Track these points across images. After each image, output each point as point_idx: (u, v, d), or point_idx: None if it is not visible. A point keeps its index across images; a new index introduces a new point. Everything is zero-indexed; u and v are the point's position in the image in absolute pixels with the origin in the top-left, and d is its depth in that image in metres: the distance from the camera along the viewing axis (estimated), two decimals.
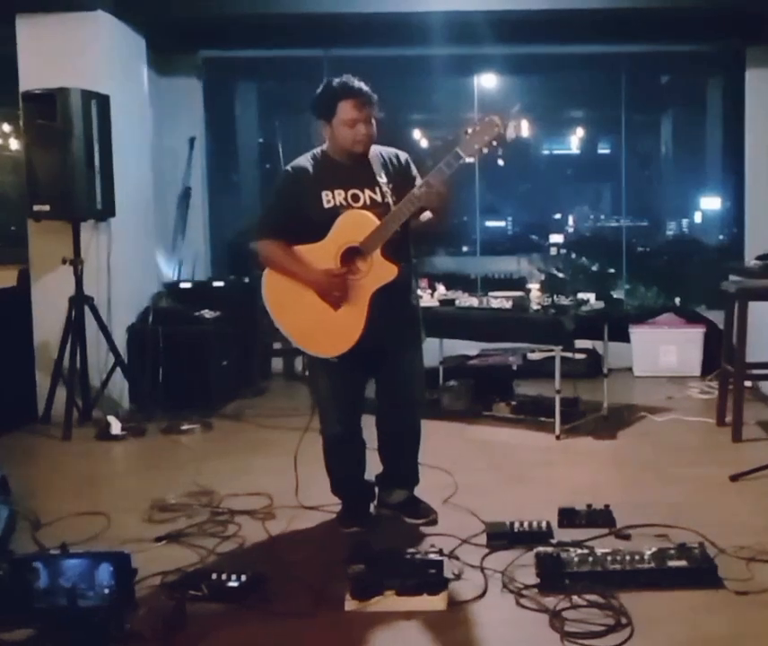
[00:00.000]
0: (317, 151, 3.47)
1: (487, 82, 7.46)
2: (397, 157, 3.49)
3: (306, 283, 3.35)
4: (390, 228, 3.28)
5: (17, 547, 3.35)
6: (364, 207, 3.35)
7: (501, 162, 10.14)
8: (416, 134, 8.99)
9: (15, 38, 5.50)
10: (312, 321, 3.38)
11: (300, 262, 3.36)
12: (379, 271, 3.30)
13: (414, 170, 3.50)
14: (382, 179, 3.39)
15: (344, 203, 3.35)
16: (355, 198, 3.36)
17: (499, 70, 7.44)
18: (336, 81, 3.34)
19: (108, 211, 5.51)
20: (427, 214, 3.40)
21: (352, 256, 3.33)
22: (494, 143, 3.19)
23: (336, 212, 3.33)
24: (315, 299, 3.36)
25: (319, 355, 3.44)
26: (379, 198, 3.37)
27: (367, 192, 3.36)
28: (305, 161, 3.44)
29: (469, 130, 3.20)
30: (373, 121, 3.36)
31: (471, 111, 7.33)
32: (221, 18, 6.07)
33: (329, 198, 3.35)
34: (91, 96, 5.33)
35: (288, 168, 3.47)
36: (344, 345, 3.34)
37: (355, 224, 3.31)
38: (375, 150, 3.44)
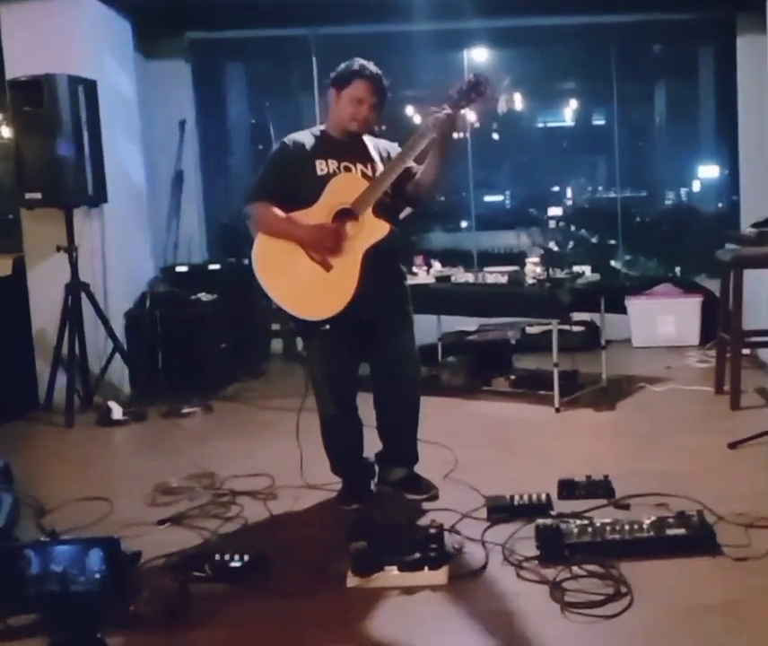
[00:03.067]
0: (316, 128, 3.56)
1: (477, 56, 7.42)
2: (391, 147, 3.55)
3: (298, 239, 3.37)
4: (381, 186, 3.33)
5: (21, 535, 3.36)
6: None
7: (495, 137, 10.11)
8: (408, 110, 8.95)
9: (0, 25, 5.46)
10: (305, 284, 3.37)
11: (291, 220, 3.39)
12: (371, 229, 3.33)
13: None
14: (375, 157, 3.47)
15: (336, 171, 3.41)
16: (347, 170, 3.42)
17: (488, 44, 7.38)
18: (362, 60, 3.44)
19: (99, 197, 5.49)
20: (422, 169, 3.43)
21: (343, 218, 3.36)
22: (479, 101, 3.28)
23: (327, 179, 3.39)
24: (307, 261, 3.37)
25: (311, 318, 3.39)
26: (370, 173, 3.43)
27: (359, 166, 3.43)
28: (303, 135, 3.51)
29: (454, 90, 3.29)
30: (375, 113, 3.45)
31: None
32: None
33: (323, 167, 3.41)
34: (78, 82, 5.30)
35: (285, 139, 3.51)
36: (335, 306, 3.31)
37: (346, 187, 3.36)
38: (368, 137, 3.53)
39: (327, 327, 3.36)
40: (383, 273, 3.39)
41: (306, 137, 3.49)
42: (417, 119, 9.07)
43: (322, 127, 3.54)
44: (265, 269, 3.43)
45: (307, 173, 3.39)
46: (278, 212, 3.39)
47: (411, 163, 3.41)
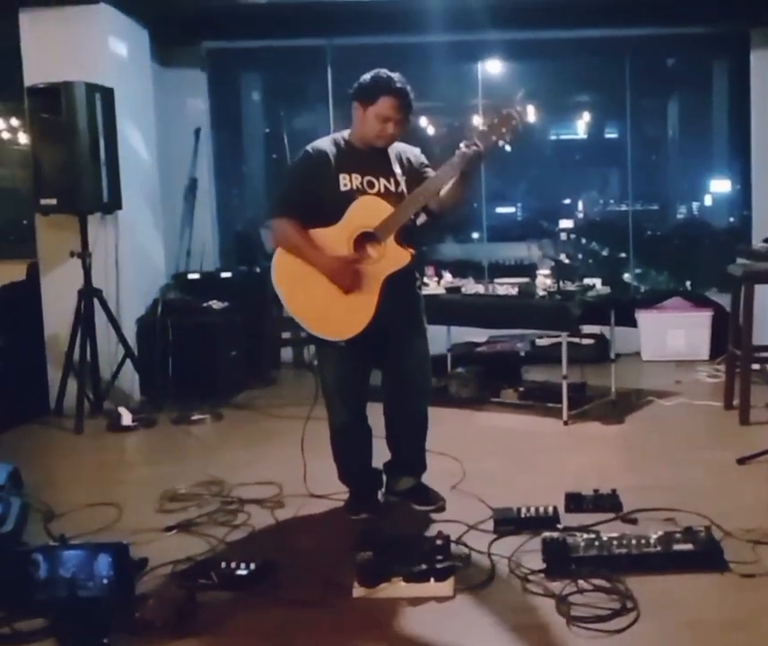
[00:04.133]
0: (338, 135, 3.52)
1: (491, 68, 7.45)
2: (413, 154, 3.54)
3: (318, 268, 3.38)
4: (406, 214, 3.33)
5: (29, 539, 3.38)
6: (378, 194, 3.40)
7: (508, 149, 10.11)
8: (422, 121, 8.98)
9: (19, 32, 5.51)
10: (322, 304, 3.40)
11: (313, 246, 3.39)
12: (393, 256, 3.33)
13: (427, 164, 3.55)
14: (397, 171, 3.44)
15: (359, 187, 3.39)
16: (371, 185, 3.41)
17: (503, 56, 7.41)
18: (386, 73, 3.38)
19: (114, 204, 5.53)
20: (446, 190, 3.40)
21: (364, 241, 3.37)
22: (510, 135, 3.24)
23: (351, 195, 3.38)
24: (326, 282, 3.38)
25: (328, 338, 3.44)
26: (392, 188, 3.42)
27: (382, 181, 3.42)
28: (326, 143, 3.48)
29: (486, 123, 3.25)
30: (402, 128, 3.41)
31: (475, 98, 7.33)
32: (223, 8, 6.08)
33: (346, 182, 3.39)
34: (96, 89, 5.35)
35: (308, 148, 3.48)
36: (353, 329, 3.36)
37: (369, 210, 3.35)
38: (392, 144, 3.50)
39: (343, 344, 3.39)
40: (399, 290, 3.40)
41: (329, 147, 3.45)
42: (431, 130, 9.11)
43: (345, 136, 3.50)
44: (283, 282, 3.46)
45: (330, 188, 3.38)
46: (300, 232, 3.39)
47: (440, 187, 3.37)
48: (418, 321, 3.63)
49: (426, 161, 3.55)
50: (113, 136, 5.50)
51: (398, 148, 3.52)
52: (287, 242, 3.43)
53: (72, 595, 2.35)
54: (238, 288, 6.31)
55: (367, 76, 3.41)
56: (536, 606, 2.76)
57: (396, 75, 3.39)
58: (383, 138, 3.39)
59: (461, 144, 3.27)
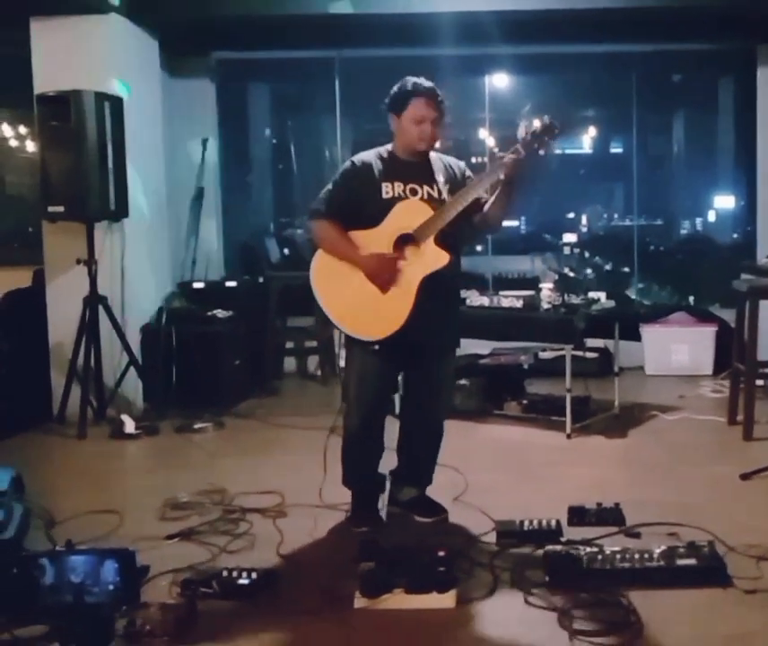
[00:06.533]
0: (381, 148, 3.55)
1: (498, 81, 7.48)
2: (457, 166, 3.57)
3: (357, 265, 3.41)
4: (446, 217, 3.35)
5: (31, 545, 3.38)
6: (422, 200, 3.42)
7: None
8: None
9: (30, 41, 5.55)
10: (360, 303, 3.42)
11: (352, 244, 3.43)
12: (431, 257, 3.35)
13: (470, 176, 3.57)
14: (440, 179, 3.47)
15: (402, 194, 3.42)
16: (413, 192, 3.44)
17: (510, 70, 7.45)
18: (412, 79, 3.45)
19: (121, 212, 5.55)
20: (490, 204, 3.44)
21: (404, 243, 3.40)
22: (550, 143, 3.29)
23: (393, 203, 3.41)
24: (364, 281, 3.40)
25: (362, 337, 3.44)
26: (435, 195, 3.44)
27: (425, 188, 3.45)
28: (370, 155, 3.51)
29: (527, 131, 3.28)
30: (439, 127, 3.45)
31: (483, 111, 7.36)
32: (233, 19, 6.11)
33: (388, 189, 3.43)
34: (105, 98, 5.37)
35: (354, 158, 3.53)
36: (390, 328, 3.37)
37: (410, 212, 3.39)
38: (436, 155, 3.55)
39: (377, 347, 3.40)
40: (439, 298, 3.41)
41: (373, 158, 3.49)
42: (438, 143, 9.12)
43: (389, 148, 3.53)
44: (320, 281, 3.49)
45: (372, 195, 3.41)
46: (340, 233, 3.43)
47: (481, 193, 3.41)
48: (453, 337, 3.66)
49: (470, 174, 3.57)
50: (121, 145, 5.51)
51: (443, 159, 3.56)
52: (327, 242, 3.48)
53: (77, 600, 2.35)
54: (242, 297, 6.32)
55: (395, 87, 3.47)
56: (539, 619, 2.75)
57: (421, 78, 3.45)
58: (424, 140, 3.42)
59: (500, 152, 3.30)
